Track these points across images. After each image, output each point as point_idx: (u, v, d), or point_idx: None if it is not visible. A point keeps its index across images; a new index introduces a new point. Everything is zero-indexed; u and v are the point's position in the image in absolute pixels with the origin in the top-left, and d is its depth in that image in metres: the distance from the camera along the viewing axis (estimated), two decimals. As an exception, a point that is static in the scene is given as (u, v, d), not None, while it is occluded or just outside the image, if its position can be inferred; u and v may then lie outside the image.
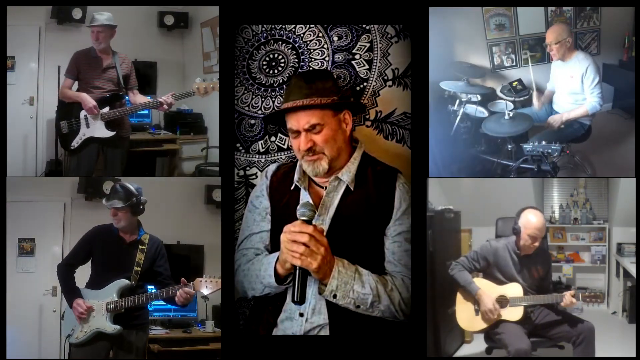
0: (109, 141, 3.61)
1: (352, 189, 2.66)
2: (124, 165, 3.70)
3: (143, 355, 3.18)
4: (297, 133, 2.63)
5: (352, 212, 2.64)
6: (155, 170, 4.03)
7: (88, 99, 3.55)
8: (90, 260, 3.21)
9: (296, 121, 2.61)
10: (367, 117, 2.97)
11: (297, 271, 2.42)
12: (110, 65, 3.66)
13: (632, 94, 3.09)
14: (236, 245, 2.84)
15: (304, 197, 2.68)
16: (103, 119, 3.57)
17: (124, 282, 3.11)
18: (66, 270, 3.19)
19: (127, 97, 3.73)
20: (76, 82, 3.65)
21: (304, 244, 2.38)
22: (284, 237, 2.43)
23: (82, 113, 3.57)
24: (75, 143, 3.58)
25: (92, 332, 3.08)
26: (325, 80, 2.67)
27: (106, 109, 3.59)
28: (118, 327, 3.08)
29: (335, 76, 2.86)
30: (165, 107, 3.58)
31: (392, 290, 2.56)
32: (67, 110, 3.61)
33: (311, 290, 2.58)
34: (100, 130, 3.58)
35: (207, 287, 3.01)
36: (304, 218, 2.42)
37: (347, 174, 2.66)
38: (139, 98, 3.75)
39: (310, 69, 2.99)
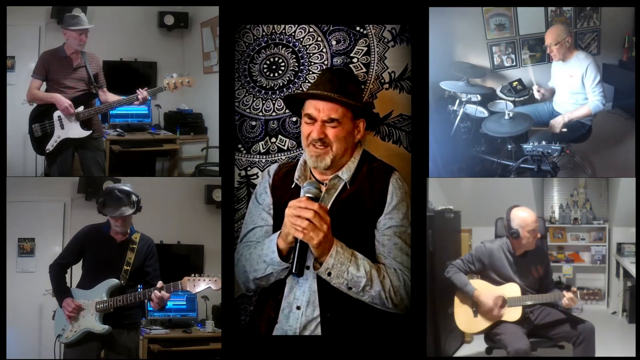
0: (82, 143, 3.57)
1: (348, 186, 2.69)
2: (102, 167, 3.66)
3: (136, 355, 3.17)
4: (313, 121, 2.66)
5: (347, 206, 2.67)
6: (155, 170, 4.02)
7: (62, 99, 3.49)
8: (82, 260, 3.20)
9: (318, 110, 2.64)
10: (372, 129, 2.97)
11: (297, 243, 2.49)
12: (80, 64, 3.61)
13: (632, 94, 3.10)
14: (239, 239, 2.86)
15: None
16: (79, 119, 3.52)
17: (113, 281, 3.10)
18: (58, 270, 3.18)
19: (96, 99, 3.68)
20: (44, 84, 3.59)
21: (308, 220, 2.44)
22: (288, 211, 2.49)
23: (56, 114, 3.52)
24: (50, 146, 3.53)
25: (81, 331, 3.07)
26: (356, 85, 2.75)
27: (80, 108, 3.54)
28: (107, 327, 3.06)
29: (362, 84, 2.94)
30: (140, 101, 3.53)
31: (384, 278, 2.60)
32: (39, 112, 3.56)
33: (307, 283, 2.63)
34: (75, 131, 3.53)
35: (195, 285, 3.00)
36: (309, 195, 2.48)
37: (347, 172, 2.71)
38: (109, 96, 3.68)
39: (342, 68, 3.02)
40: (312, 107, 2.66)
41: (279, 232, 2.59)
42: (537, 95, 3.34)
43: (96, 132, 3.64)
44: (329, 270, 2.54)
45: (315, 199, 2.49)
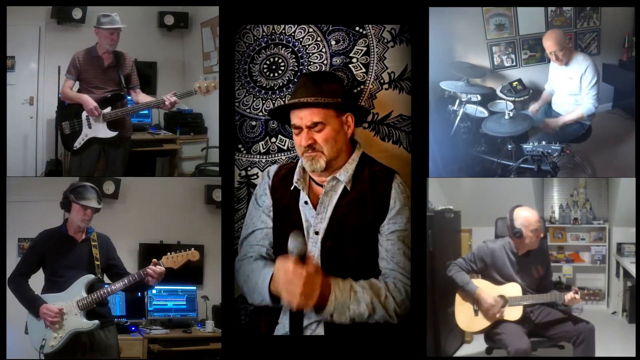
0: (110, 141, 3.59)
1: (348, 189, 2.68)
2: (125, 165, 3.68)
3: (117, 352, 3.14)
4: (300, 129, 2.66)
5: (349, 211, 2.66)
6: (155, 170, 4.03)
7: (89, 101, 3.52)
8: (43, 266, 3.12)
9: (299, 118, 2.65)
10: (364, 119, 2.98)
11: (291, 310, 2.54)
12: (111, 64, 3.64)
13: (632, 94, 3.09)
14: (240, 240, 2.85)
15: (303, 197, 2.70)
16: (105, 120, 3.55)
17: (90, 277, 3.05)
18: (20, 281, 3.08)
19: (128, 97, 3.69)
20: (77, 83, 3.62)
21: (301, 285, 2.44)
22: (279, 273, 2.49)
23: (84, 114, 3.54)
24: (77, 144, 3.56)
25: (68, 335, 2.99)
26: (332, 82, 2.72)
27: (108, 109, 3.56)
28: (96, 321, 3.00)
29: (342, 80, 2.89)
30: (168, 105, 3.55)
31: (386, 299, 2.59)
32: (69, 110, 3.58)
33: None
34: (102, 131, 3.56)
35: (175, 261, 3.00)
36: (295, 253, 2.45)
37: (345, 174, 2.69)
38: (141, 97, 3.71)
39: (319, 70, 3.02)
40: (296, 116, 2.67)
41: (271, 273, 2.58)
42: (531, 109, 3.34)
43: (125, 131, 3.66)
44: (331, 313, 2.54)
45: (302, 256, 2.46)
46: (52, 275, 3.09)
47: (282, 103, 3.00)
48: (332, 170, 2.69)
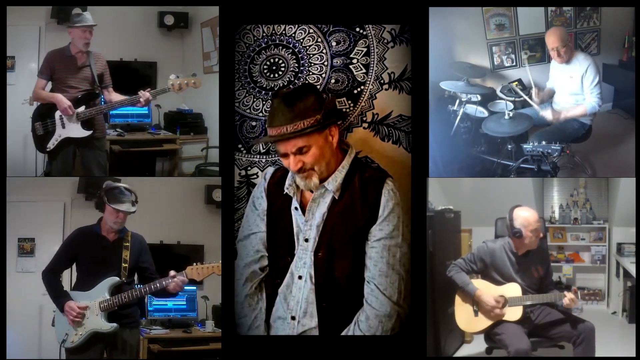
0: (84, 142, 3.56)
1: (336, 198, 2.65)
2: (103, 167, 3.65)
3: (137, 354, 3.16)
4: (286, 155, 2.61)
5: (340, 221, 2.64)
6: (155, 170, 4.03)
7: (63, 100, 3.49)
8: (75, 263, 3.17)
9: (283, 146, 2.59)
10: (365, 119, 2.98)
11: None
12: (84, 64, 3.60)
13: (632, 94, 3.09)
14: (237, 239, 2.87)
15: (294, 203, 2.70)
16: (79, 119, 3.51)
17: (114, 279, 3.08)
18: (51, 276, 3.14)
19: (102, 97, 3.66)
20: (50, 83, 3.59)
21: None
22: None
23: (57, 114, 3.51)
24: (51, 144, 3.53)
25: (87, 333, 3.03)
26: (306, 97, 2.59)
27: (81, 109, 3.53)
28: (114, 324, 3.04)
29: (315, 89, 2.73)
30: (143, 102, 3.51)
31: (368, 319, 2.61)
32: (42, 111, 3.56)
33: (301, 293, 2.65)
34: (76, 131, 3.52)
35: (200, 273, 3.00)
36: None
37: (333, 182, 2.64)
38: (114, 96, 3.67)
39: (291, 86, 2.97)
40: (279, 144, 2.60)
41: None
42: (535, 99, 3.33)
43: (98, 132, 3.63)
44: None
45: None
46: (83, 273, 3.13)
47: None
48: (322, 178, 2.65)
